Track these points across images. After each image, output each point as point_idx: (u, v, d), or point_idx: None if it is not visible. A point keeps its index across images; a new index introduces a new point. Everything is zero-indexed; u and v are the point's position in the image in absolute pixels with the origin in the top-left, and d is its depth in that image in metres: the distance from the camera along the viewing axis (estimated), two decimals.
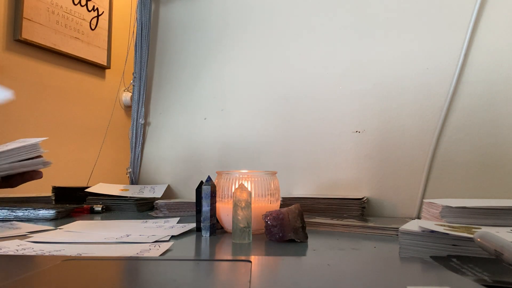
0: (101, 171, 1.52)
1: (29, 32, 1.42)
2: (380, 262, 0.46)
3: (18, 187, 0.68)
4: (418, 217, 0.89)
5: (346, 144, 1.03)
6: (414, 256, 0.48)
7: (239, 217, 0.62)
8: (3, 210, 0.89)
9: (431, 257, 0.44)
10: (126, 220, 0.90)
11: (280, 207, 0.70)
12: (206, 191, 0.68)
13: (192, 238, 0.67)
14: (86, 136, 1.66)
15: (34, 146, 0.65)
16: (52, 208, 0.91)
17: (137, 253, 0.52)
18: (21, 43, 1.42)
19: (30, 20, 1.43)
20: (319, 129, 1.07)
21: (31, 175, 0.67)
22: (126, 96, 1.86)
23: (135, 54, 1.39)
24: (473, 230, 0.46)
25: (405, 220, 0.78)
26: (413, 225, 0.52)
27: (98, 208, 1.04)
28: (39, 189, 1.29)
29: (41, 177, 0.69)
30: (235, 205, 0.62)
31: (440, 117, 0.91)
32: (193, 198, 0.75)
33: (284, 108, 1.14)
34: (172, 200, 1.03)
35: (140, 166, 1.38)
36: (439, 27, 0.94)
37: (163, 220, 0.88)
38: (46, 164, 0.68)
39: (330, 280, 0.36)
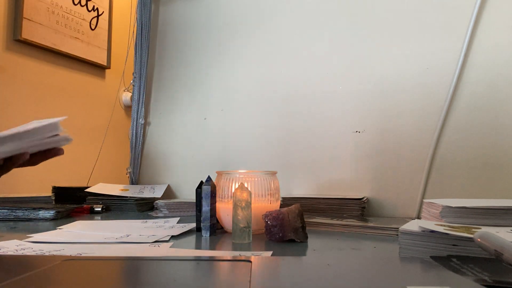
0: (101, 171, 1.52)
1: (29, 32, 1.42)
2: (380, 262, 0.46)
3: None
4: (418, 217, 0.89)
5: (346, 144, 1.03)
6: (414, 256, 0.48)
7: (239, 217, 0.62)
8: (3, 210, 0.89)
9: (431, 257, 0.44)
10: (126, 220, 0.90)
11: (280, 207, 0.70)
12: (206, 191, 0.68)
13: (192, 238, 0.67)
14: (86, 136, 1.66)
15: (54, 124, 0.65)
16: (52, 208, 0.91)
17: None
18: (21, 43, 1.42)
19: (30, 20, 1.43)
20: (319, 129, 1.07)
21: (54, 152, 0.68)
22: (126, 96, 1.86)
23: (135, 54, 1.39)
24: (473, 230, 0.46)
25: (405, 220, 0.78)
26: (413, 225, 0.52)
27: (98, 208, 1.04)
28: (39, 189, 1.29)
29: (63, 154, 0.70)
30: (235, 205, 0.62)
31: (440, 117, 0.91)
32: (193, 198, 0.75)
33: (284, 108, 1.14)
34: (172, 200, 1.03)
35: (140, 166, 1.38)
36: (439, 27, 0.94)
37: (163, 220, 0.88)
38: (68, 140, 0.68)
39: (330, 280, 0.36)
